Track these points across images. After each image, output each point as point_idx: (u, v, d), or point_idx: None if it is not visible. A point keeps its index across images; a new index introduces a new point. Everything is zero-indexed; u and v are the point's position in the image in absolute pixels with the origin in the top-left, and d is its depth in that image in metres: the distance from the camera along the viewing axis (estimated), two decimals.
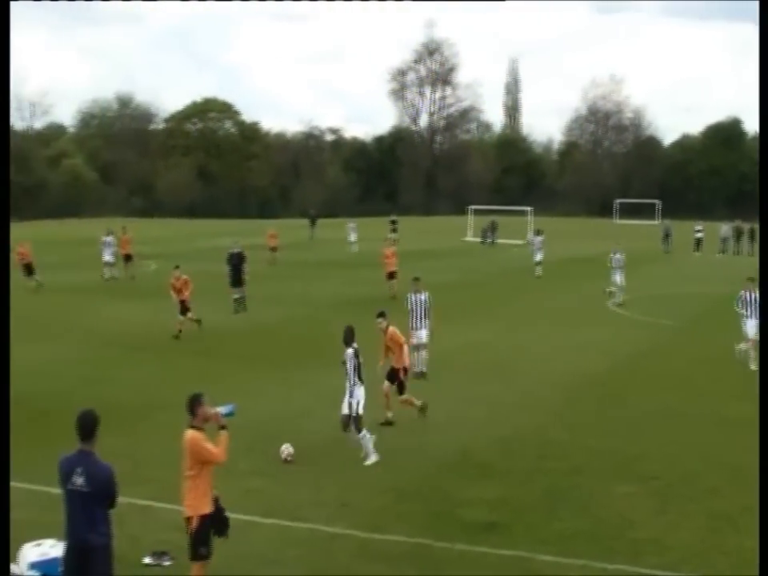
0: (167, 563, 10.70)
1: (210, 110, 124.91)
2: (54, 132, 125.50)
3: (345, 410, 15.05)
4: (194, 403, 9.52)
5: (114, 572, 8.63)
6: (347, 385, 15.17)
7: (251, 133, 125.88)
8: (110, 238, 42.14)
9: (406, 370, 17.40)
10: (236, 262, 31.04)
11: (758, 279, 21.09)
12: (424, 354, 21.08)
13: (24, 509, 12.36)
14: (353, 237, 58.40)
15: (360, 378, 15.25)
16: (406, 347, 17.47)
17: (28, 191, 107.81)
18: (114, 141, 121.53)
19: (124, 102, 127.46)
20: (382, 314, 17.43)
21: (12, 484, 13.31)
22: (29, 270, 37.21)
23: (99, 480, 8.39)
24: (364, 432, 14.83)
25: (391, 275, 34.80)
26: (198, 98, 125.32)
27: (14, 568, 9.94)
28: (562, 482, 13.88)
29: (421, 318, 21.07)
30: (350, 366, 15.23)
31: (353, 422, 14.84)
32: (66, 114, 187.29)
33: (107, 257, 41.58)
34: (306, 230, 68.25)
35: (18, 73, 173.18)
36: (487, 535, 11.73)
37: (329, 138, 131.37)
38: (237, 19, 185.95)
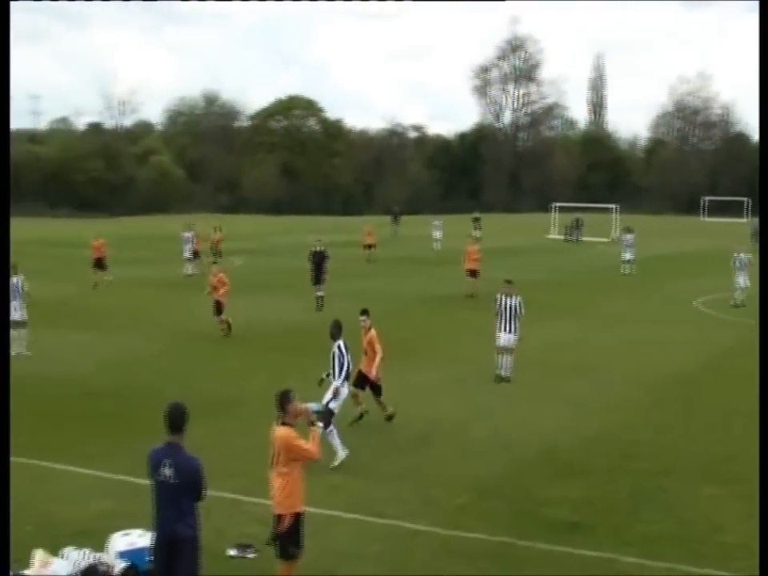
0: (251, 556, 10.80)
1: (295, 107, 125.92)
2: (143, 130, 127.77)
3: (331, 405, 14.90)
4: (284, 399, 9.46)
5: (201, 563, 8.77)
6: (333, 381, 15.04)
7: (335, 130, 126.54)
8: (189, 234, 42.57)
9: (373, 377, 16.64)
10: (318, 260, 31.23)
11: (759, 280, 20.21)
12: (509, 359, 20.49)
13: (112, 498, 12.66)
14: (437, 234, 57.93)
15: (347, 377, 15.14)
16: (379, 357, 16.53)
17: (117, 188, 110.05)
18: (200, 138, 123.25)
19: (210, 100, 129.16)
20: (365, 312, 16.98)
21: (99, 474, 13.73)
22: (100, 265, 37.67)
23: (187, 472, 8.49)
24: (332, 427, 14.45)
25: (473, 273, 34.61)
26: (283, 96, 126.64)
27: (103, 556, 10.14)
28: (648, 483, 13.69)
29: (509, 322, 20.36)
30: (337, 363, 15.03)
31: (322, 415, 13.68)
32: (155, 112, 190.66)
33: (187, 253, 42.22)
34: (388, 226, 68.36)
35: (109, 72, 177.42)
36: (570, 535, 11.62)
37: (412, 135, 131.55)
38: (321, 17, 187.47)
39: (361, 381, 16.61)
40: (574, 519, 12.18)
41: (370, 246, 48.17)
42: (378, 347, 16.66)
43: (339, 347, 15.16)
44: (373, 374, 16.63)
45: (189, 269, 41.93)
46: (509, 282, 21.04)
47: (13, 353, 21.19)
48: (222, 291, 25.99)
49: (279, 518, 9.40)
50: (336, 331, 15.36)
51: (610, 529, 11.88)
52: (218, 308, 25.89)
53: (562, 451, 15.32)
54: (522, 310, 20.55)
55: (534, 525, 11.98)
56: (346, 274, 37.27)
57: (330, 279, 31.50)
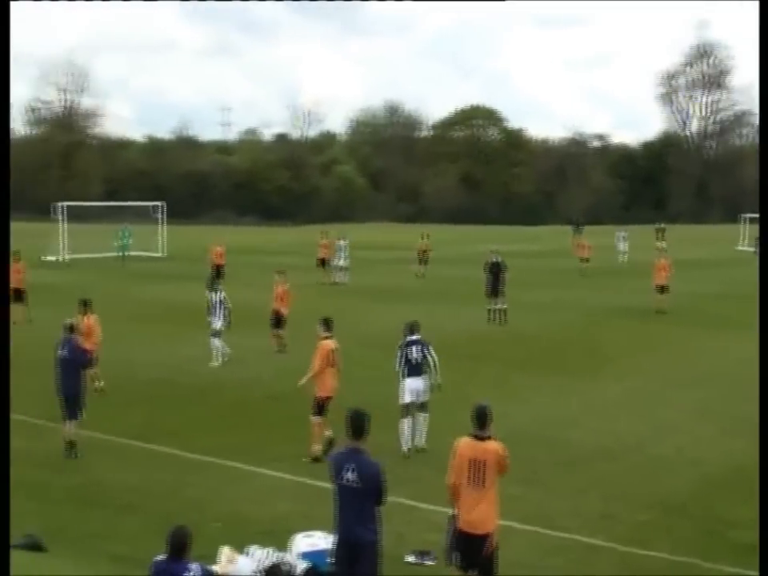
0: (430, 563, 10.85)
1: (476, 116, 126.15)
2: (327, 140, 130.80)
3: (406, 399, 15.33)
4: (488, 416, 9.34)
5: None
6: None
7: (516, 139, 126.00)
8: (343, 243, 42.97)
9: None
10: (495, 271, 30.81)
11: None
12: None
13: (295, 500, 13.00)
14: (622, 246, 55.98)
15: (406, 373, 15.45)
16: (312, 373, 15.23)
17: (301, 197, 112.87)
18: (382, 148, 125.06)
19: (393, 110, 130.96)
20: (325, 322, 15.52)
21: (283, 476, 14.11)
22: (218, 272, 38.14)
23: (369, 476, 8.62)
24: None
25: (662, 289, 33.42)
26: (464, 105, 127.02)
27: (285, 556, 10.40)
28: None
29: None
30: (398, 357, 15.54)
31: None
32: (338, 123, 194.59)
33: (340, 261, 42.52)
34: (569, 236, 67.44)
35: (295, 84, 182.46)
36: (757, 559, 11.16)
37: (594, 144, 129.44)
38: (503, 26, 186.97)
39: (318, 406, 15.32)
40: None
41: (584, 260, 47.32)
42: (316, 363, 15.27)
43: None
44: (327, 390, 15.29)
45: (338, 277, 42.17)
46: None
47: (216, 363, 22.17)
48: (284, 304, 25.33)
49: (486, 537, 9.12)
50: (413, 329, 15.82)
51: None
52: (278, 321, 25.16)
53: (752, 470, 14.72)
54: None
55: (720, 546, 11.58)
56: (529, 285, 37.05)
57: (510, 289, 31.25)
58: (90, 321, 18.85)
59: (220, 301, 23.07)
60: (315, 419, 15.16)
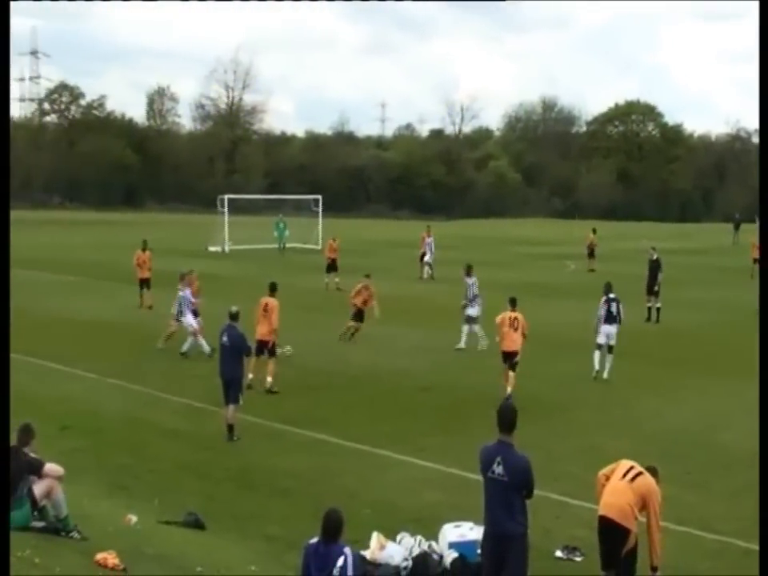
0: (578, 559, 10.69)
1: (633, 112, 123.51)
2: (482, 135, 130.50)
3: None
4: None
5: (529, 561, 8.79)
6: None
7: (674, 135, 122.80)
8: (430, 240, 41.66)
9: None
10: (653, 269, 29.91)
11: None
12: None
13: (444, 490, 13.00)
14: None
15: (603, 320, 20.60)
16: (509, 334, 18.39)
17: (456, 191, 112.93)
18: (537, 143, 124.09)
19: (548, 106, 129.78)
20: (511, 301, 18.77)
21: (432, 465, 14.14)
22: (333, 266, 37.19)
23: (517, 470, 8.53)
24: None
25: None
26: (621, 101, 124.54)
27: (434, 545, 10.40)
28: None
29: None
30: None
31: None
32: (493, 118, 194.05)
33: (429, 257, 41.46)
34: (729, 234, 65.26)
35: (450, 80, 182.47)
36: None
37: (756, 140, 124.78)
38: (663, 19, 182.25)
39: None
40: None
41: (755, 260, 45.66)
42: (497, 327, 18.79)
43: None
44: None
45: (426, 273, 41.36)
46: None
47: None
48: (370, 304, 25.09)
49: (628, 532, 9.20)
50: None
51: None
52: (359, 315, 24.97)
53: None
54: None
55: None
56: (685, 283, 36.03)
57: (667, 288, 30.35)
58: (272, 303, 18.95)
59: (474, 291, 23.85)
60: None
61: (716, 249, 56.11)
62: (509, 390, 17.94)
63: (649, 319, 29.00)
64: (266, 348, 18.73)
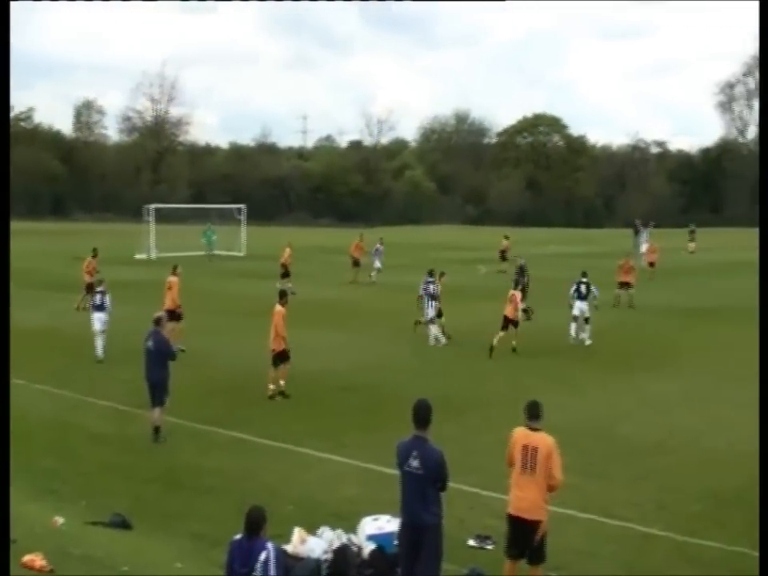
0: (490, 547, 10.78)
1: (540, 123, 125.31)
2: (398, 146, 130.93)
3: None
4: (540, 410, 9.30)
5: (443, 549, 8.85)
6: None
7: (578, 145, 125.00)
8: (380, 246, 42.89)
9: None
10: (519, 273, 31.49)
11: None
12: None
13: (362, 485, 13.01)
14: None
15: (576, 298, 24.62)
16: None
17: (374, 200, 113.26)
18: (450, 154, 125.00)
19: (461, 118, 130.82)
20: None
21: (351, 462, 14.14)
22: (285, 273, 37.32)
23: (432, 463, 8.58)
24: None
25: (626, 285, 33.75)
26: (529, 113, 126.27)
27: (353, 538, 10.42)
28: None
29: None
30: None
31: None
32: (409, 130, 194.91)
33: (378, 264, 42.12)
34: (629, 239, 66.46)
35: (368, 94, 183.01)
36: None
37: (654, 150, 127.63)
38: (567, 37, 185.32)
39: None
40: None
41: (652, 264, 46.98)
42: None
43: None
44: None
45: (374, 276, 41.68)
46: None
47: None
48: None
49: (538, 524, 9.07)
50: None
51: None
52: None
53: None
54: None
55: None
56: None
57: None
58: (275, 310, 18.76)
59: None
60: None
61: (618, 252, 56.91)
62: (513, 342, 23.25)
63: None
64: (279, 358, 18.40)
